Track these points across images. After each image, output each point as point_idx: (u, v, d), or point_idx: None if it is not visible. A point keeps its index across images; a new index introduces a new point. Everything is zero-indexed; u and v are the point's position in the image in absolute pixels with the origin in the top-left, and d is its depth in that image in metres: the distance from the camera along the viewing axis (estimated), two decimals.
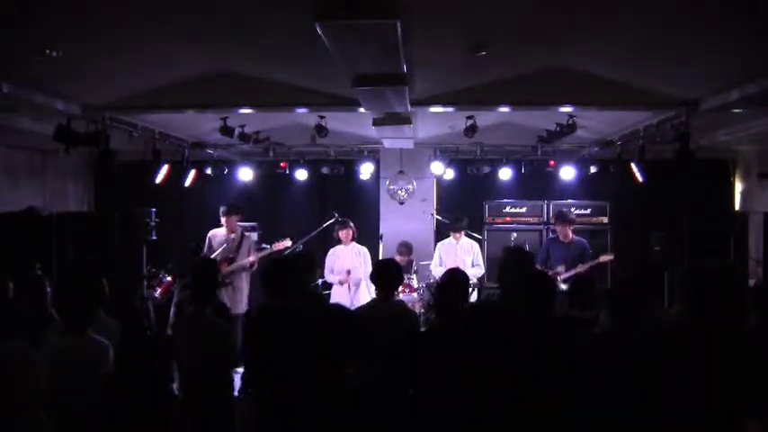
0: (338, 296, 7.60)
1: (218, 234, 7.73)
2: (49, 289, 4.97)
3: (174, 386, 4.49)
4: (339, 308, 3.26)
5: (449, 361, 3.33)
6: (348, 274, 7.69)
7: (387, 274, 4.56)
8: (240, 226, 7.95)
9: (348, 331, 2.93)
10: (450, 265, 7.00)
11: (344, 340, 2.92)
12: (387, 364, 3.71)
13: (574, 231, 7.88)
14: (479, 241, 8.73)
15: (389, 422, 3.07)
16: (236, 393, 4.46)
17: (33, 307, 4.35)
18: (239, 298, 7.63)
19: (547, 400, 2.96)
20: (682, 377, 3.08)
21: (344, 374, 2.87)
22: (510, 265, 4.85)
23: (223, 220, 7.70)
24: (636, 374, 3.15)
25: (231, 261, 7.60)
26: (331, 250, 8.00)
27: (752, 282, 7.25)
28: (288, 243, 7.97)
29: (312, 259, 5.33)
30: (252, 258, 7.65)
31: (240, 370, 4.74)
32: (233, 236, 7.69)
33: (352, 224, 7.97)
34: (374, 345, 3.21)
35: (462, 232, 8.24)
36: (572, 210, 9.11)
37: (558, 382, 3.10)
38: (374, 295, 4.72)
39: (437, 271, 8.08)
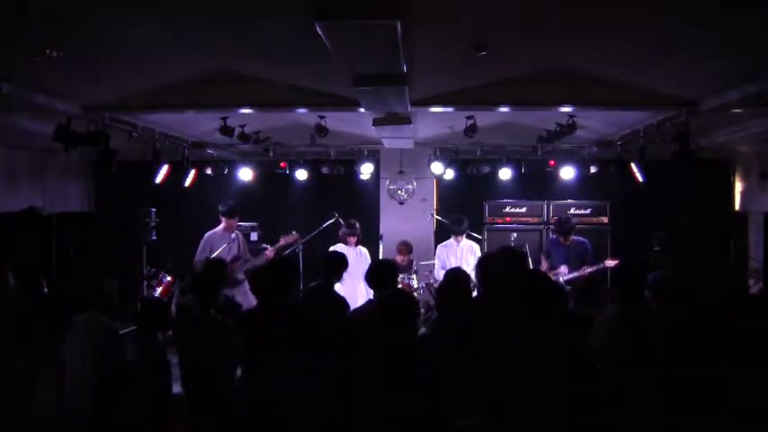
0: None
1: (216, 235, 7.68)
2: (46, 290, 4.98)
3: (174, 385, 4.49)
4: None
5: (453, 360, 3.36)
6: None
7: (380, 274, 4.77)
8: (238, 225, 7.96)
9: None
10: (453, 266, 6.96)
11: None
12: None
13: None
14: (479, 242, 8.71)
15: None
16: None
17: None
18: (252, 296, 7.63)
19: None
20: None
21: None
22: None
23: (225, 220, 7.69)
24: None
25: (237, 260, 7.56)
26: (332, 248, 7.98)
27: (752, 282, 7.26)
28: (296, 236, 7.91)
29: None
30: (269, 253, 7.64)
31: None
32: (234, 235, 7.69)
33: (359, 228, 7.97)
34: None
35: (463, 235, 8.19)
36: (572, 210, 9.11)
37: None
38: (371, 295, 4.89)
39: (440, 274, 8.04)
